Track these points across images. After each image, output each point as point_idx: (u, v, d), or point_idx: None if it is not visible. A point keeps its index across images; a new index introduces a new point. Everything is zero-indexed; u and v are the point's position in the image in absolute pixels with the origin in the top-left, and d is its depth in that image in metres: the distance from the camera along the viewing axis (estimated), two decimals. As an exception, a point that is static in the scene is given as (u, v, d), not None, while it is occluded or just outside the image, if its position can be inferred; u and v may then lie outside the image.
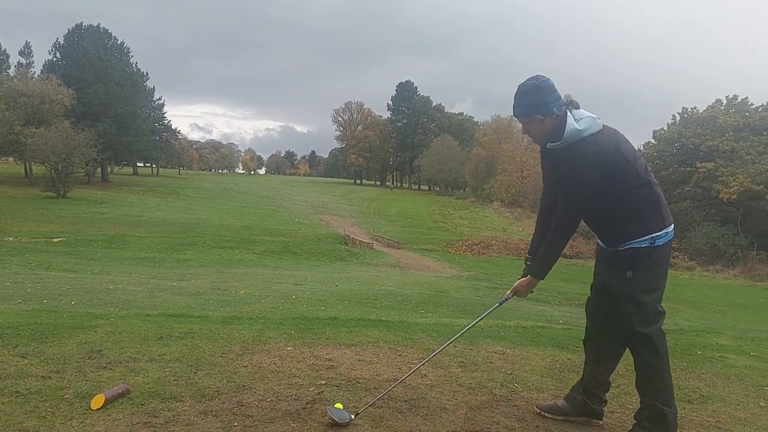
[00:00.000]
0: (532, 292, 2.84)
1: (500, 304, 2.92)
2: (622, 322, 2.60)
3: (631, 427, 2.63)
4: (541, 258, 2.70)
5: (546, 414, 2.83)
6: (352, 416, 2.62)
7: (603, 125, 2.56)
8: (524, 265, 2.85)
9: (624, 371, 3.77)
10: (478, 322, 3.16)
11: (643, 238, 2.53)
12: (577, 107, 2.57)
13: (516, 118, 2.65)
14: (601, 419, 2.78)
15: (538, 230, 2.86)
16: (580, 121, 2.50)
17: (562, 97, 2.56)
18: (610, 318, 2.69)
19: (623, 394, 3.26)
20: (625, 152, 2.52)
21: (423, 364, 3.25)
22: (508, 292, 2.84)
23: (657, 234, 2.53)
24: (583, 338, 2.91)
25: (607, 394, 2.84)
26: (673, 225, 2.63)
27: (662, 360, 2.57)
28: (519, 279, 2.80)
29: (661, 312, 2.59)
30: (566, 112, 2.53)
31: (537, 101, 2.53)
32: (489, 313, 3.04)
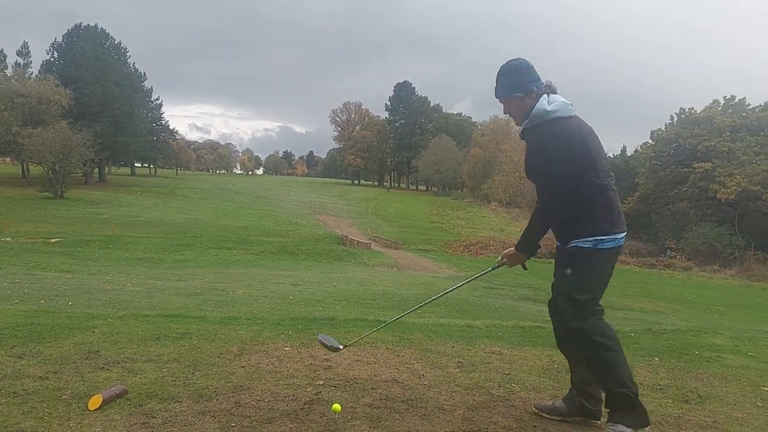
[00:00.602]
0: (525, 267, 2.90)
1: (493, 269, 2.99)
2: (556, 319, 2.61)
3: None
4: (522, 235, 2.76)
5: (544, 414, 2.82)
6: (341, 347, 3.11)
7: (575, 114, 2.56)
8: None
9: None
10: (470, 281, 3.33)
11: (587, 239, 2.51)
12: (554, 92, 2.59)
13: (498, 100, 2.69)
14: (599, 419, 2.77)
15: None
16: (551, 104, 2.52)
17: (542, 81, 2.60)
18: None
19: (621, 394, 3.26)
20: (589, 147, 2.51)
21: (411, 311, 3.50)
22: (500, 257, 2.89)
23: (603, 237, 2.51)
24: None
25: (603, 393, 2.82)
26: (624, 234, 2.58)
27: (604, 352, 2.52)
28: (508, 249, 2.88)
29: (598, 310, 2.58)
30: (543, 94, 2.56)
31: (516, 80, 2.58)
32: (481, 275, 3.17)
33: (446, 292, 3.53)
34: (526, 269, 2.99)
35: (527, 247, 2.74)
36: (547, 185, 2.56)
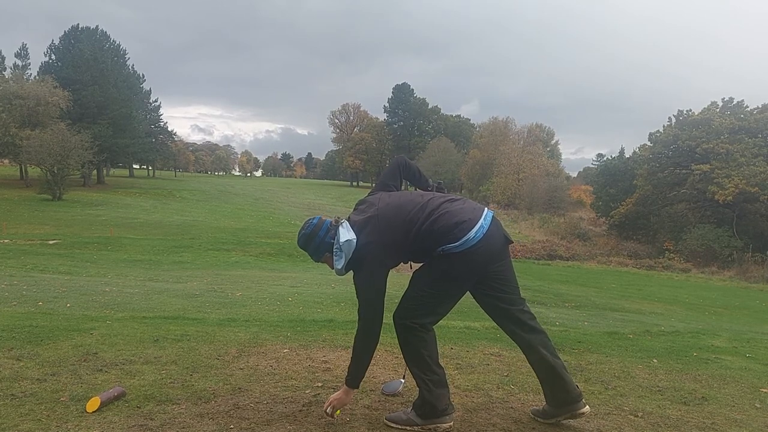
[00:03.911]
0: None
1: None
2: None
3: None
4: (355, 368, 2.69)
5: (539, 419, 2.81)
6: (402, 380, 3.10)
7: (363, 222, 2.62)
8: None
9: (620, 373, 3.79)
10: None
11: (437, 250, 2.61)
12: (340, 225, 2.65)
13: (318, 261, 2.79)
14: (580, 400, 2.68)
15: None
16: (340, 258, 2.60)
17: (327, 221, 2.70)
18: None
19: (619, 396, 3.26)
20: (389, 242, 2.59)
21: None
22: (326, 405, 2.68)
23: (449, 245, 2.58)
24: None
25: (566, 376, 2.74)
26: (470, 235, 2.56)
27: (406, 352, 2.74)
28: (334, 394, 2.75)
29: (420, 313, 2.73)
30: (337, 234, 2.62)
31: (316, 245, 2.68)
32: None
33: None
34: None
35: (357, 380, 2.70)
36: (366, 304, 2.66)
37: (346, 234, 2.58)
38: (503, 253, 2.72)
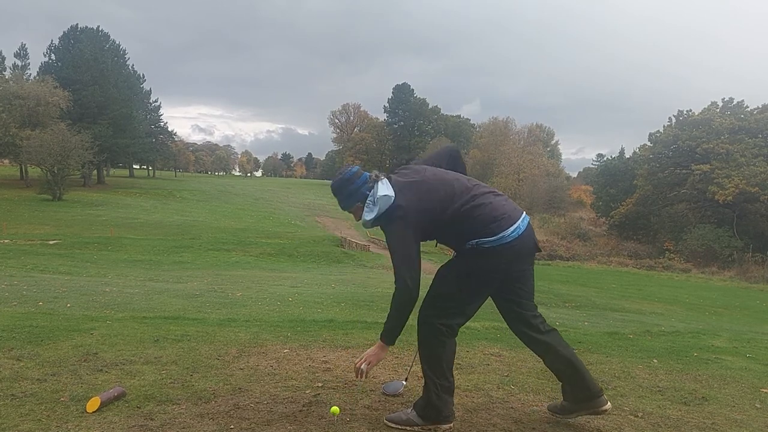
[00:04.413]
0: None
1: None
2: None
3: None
4: (391, 326, 2.68)
5: (557, 416, 2.80)
6: (404, 382, 3.05)
7: (399, 189, 2.59)
8: None
9: (620, 373, 3.79)
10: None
11: (470, 242, 2.59)
12: (380, 179, 2.64)
13: (346, 211, 2.77)
14: (600, 396, 2.69)
15: None
16: (372, 209, 2.58)
17: (367, 174, 2.68)
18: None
19: (619, 396, 3.26)
20: (428, 208, 2.56)
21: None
22: (360, 361, 2.71)
23: (485, 239, 2.55)
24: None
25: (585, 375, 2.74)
26: (508, 230, 2.57)
27: (424, 353, 2.70)
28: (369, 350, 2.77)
29: (450, 313, 2.67)
30: (374, 188, 2.61)
31: (350, 192, 2.66)
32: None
33: None
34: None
35: (394, 337, 2.69)
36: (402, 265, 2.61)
37: (385, 189, 2.56)
38: (530, 258, 2.73)
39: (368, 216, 2.59)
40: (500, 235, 2.53)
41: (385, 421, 2.67)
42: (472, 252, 2.58)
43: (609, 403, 2.72)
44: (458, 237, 2.62)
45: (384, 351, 2.67)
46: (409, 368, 3.24)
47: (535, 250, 2.71)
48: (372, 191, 2.59)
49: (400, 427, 2.62)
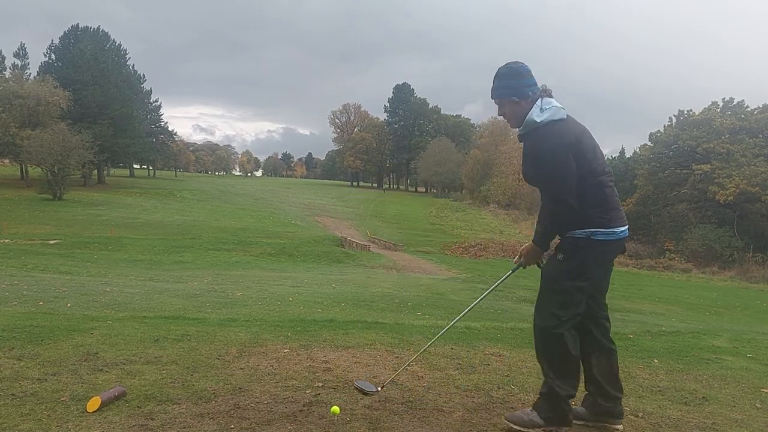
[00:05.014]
0: (540, 264, 2.82)
1: (513, 272, 2.95)
2: (537, 307, 2.69)
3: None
4: (540, 230, 2.70)
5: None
6: (378, 388, 2.91)
7: (568, 116, 2.58)
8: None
9: (620, 373, 3.78)
10: (492, 290, 3.22)
11: (582, 230, 2.56)
12: (550, 95, 2.61)
13: (493, 100, 2.70)
14: (619, 419, 2.70)
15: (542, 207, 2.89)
16: (544, 111, 2.54)
17: (539, 85, 2.62)
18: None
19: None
20: (584, 147, 2.54)
21: (444, 331, 3.45)
22: (516, 257, 2.84)
23: (598, 230, 2.55)
24: None
25: (619, 393, 2.75)
26: (623, 229, 2.62)
27: (545, 356, 2.65)
28: (525, 244, 2.82)
29: (566, 310, 2.59)
30: (538, 98, 2.58)
31: (513, 83, 2.60)
32: (502, 281, 3.11)
33: (478, 301, 3.38)
34: (540, 266, 2.90)
35: (544, 241, 2.70)
36: (550, 188, 2.58)
37: (559, 105, 2.55)
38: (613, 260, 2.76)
39: (537, 117, 2.52)
40: (615, 229, 2.56)
41: (504, 420, 2.65)
42: (582, 244, 2.55)
43: (622, 424, 2.73)
44: (580, 208, 2.54)
45: (536, 251, 2.72)
46: (389, 379, 3.19)
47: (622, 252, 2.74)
48: (542, 100, 2.56)
49: (521, 428, 2.59)
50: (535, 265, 2.85)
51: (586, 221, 2.55)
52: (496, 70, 2.65)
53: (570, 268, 2.58)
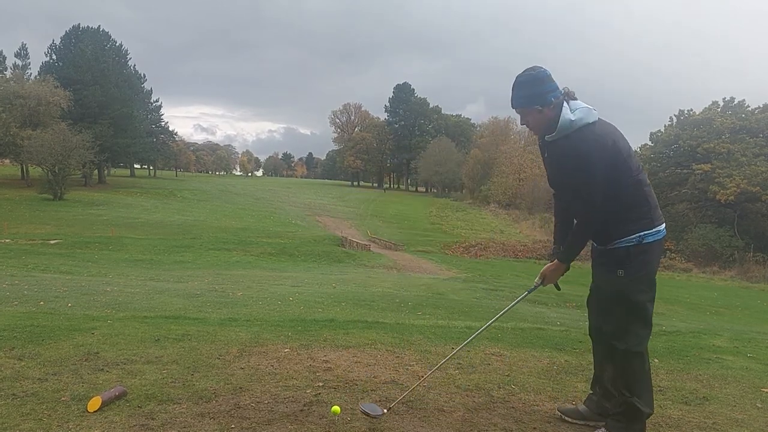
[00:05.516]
0: (558, 287, 2.79)
1: (529, 293, 2.86)
2: (607, 327, 2.59)
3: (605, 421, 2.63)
4: (567, 246, 2.62)
5: (567, 418, 2.79)
6: (384, 410, 2.68)
7: (599, 117, 2.52)
8: (551, 252, 2.81)
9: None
10: (505, 312, 3.08)
11: (632, 237, 2.48)
12: (574, 98, 2.54)
13: (515, 110, 2.62)
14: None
15: (558, 226, 2.82)
16: (575, 112, 2.46)
17: (560, 88, 2.54)
18: (598, 317, 2.69)
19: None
20: (620, 147, 2.48)
21: (460, 348, 3.38)
22: (537, 278, 2.73)
23: (647, 232, 2.49)
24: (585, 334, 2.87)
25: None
26: (663, 225, 2.57)
27: (625, 377, 2.55)
28: (546, 264, 2.73)
29: (647, 326, 2.54)
30: (563, 102, 2.50)
31: (534, 92, 2.50)
32: (519, 301, 3.00)
33: (501, 314, 3.20)
34: (559, 289, 2.85)
35: (571, 258, 2.62)
36: (582, 193, 2.47)
37: (589, 108, 2.49)
38: None
39: (570, 116, 2.43)
40: (660, 228, 2.52)
41: None
42: (637, 252, 2.47)
43: None
44: (622, 211, 2.48)
45: (561, 268, 2.63)
46: (402, 395, 2.96)
47: None
48: (567, 103, 2.48)
49: None
50: (553, 286, 2.77)
51: (631, 226, 2.48)
52: (514, 78, 2.55)
53: (637, 280, 2.49)
